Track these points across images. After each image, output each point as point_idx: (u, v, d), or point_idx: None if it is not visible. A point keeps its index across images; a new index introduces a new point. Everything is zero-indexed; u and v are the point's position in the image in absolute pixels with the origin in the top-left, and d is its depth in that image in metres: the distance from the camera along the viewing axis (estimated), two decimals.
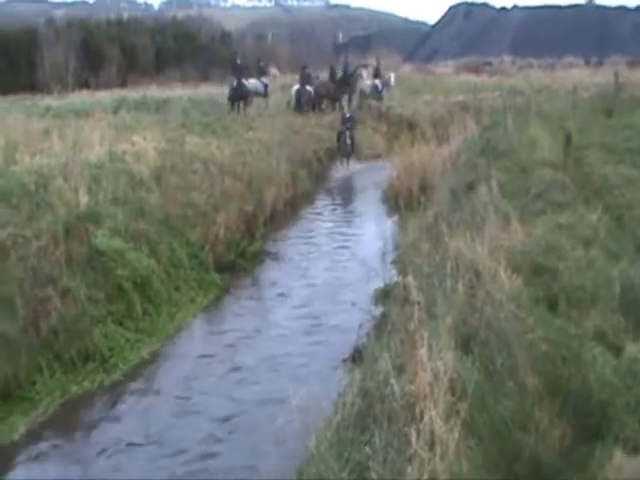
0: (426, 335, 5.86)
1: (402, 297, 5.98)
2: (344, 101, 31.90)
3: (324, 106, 32.00)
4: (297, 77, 33.30)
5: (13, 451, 8.52)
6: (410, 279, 6.25)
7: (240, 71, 29.91)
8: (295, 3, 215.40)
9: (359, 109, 31.67)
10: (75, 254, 11.72)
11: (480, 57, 62.52)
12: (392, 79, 33.30)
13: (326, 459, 5.85)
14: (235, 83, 29.45)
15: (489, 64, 56.42)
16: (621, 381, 5.99)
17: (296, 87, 31.90)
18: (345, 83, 32.21)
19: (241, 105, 29.44)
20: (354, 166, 26.29)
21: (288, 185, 19.94)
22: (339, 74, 33.18)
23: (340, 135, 26.14)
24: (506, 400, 5.80)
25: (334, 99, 31.93)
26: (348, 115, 26.73)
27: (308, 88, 31.71)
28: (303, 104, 31.07)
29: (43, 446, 8.61)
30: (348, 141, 25.91)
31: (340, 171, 25.93)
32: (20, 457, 8.43)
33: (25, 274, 10.72)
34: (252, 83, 31.80)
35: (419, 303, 5.78)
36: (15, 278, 10.54)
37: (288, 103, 31.63)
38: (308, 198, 21.45)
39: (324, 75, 34.69)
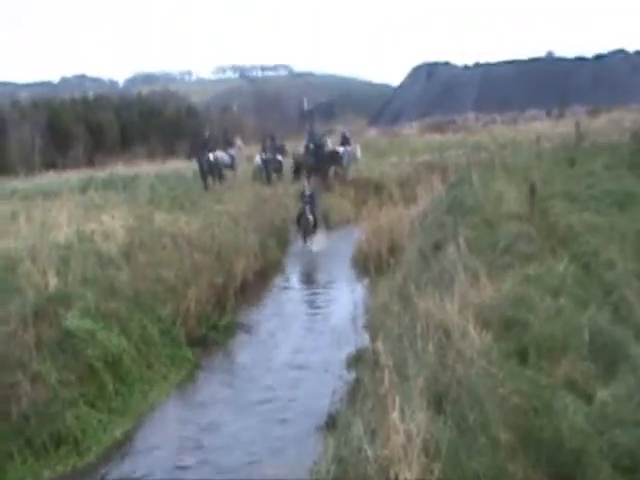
0: (397, 398, 5.87)
1: (372, 361, 5.98)
2: (331, 172, 31.95)
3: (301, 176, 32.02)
4: (260, 147, 33.56)
5: None
6: (379, 343, 6.26)
7: (207, 145, 29.80)
8: (260, 74, 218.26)
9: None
10: (45, 337, 11.56)
11: (444, 116, 63.44)
12: (358, 151, 33.26)
13: None
14: (208, 157, 29.14)
15: (453, 122, 57.21)
16: (593, 427, 5.99)
17: (258, 157, 32.19)
18: (325, 155, 32.15)
19: (213, 179, 29.28)
20: (319, 243, 23.70)
21: (257, 255, 19.93)
22: (306, 143, 33.49)
23: (300, 214, 23.87)
24: (479, 456, 5.75)
25: (315, 169, 31.68)
26: (308, 192, 24.26)
27: (278, 157, 32.06)
28: (271, 174, 31.37)
29: None
30: (309, 217, 23.61)
31: (303, 253, 23.37)
32: None
33: None
34: (219, 155, 31.99)
35: (388, 367, 5.79)
36: None
37: (254, 174, 31.82)
38: (278, 267, 21.43)
39: (291, 144, 34.91)
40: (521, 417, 6.17)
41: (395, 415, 5.84)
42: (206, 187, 28.28)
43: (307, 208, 23.54)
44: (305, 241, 23.59)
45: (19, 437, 9.82)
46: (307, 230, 23.58)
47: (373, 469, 5.78)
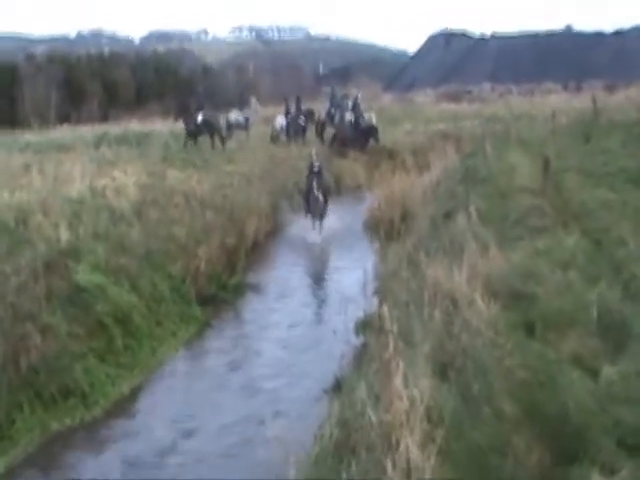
0: (402, 364, 5.88)
1: (377, 326, 6.00)
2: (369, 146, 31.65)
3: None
4: (282, 109, 33.31)
5: None
6: (385, 308, 6.28)
7: (197, 106, 28.86)
8: (276, 36, 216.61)
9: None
10: (55, 290, 11.64)
11: (460, 85, 62.99)
12: (373, 119, 32.84)
13: None
14: (196, 119, 27.98)
15: (469, 92, 56.80)
16: (598, 404, 6.00)
17: (280, 119, 32.00)
18: (364, 129, 31.82)
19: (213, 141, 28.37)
20: (329, 226, 20.92)
21: (269, 217, 19.95)
22: (328, 108, 33.34)
23: (307, 191, 20.99)
24: (483, 426, 5.78)
25: (353, 142, 31.36)
26: (317, 165, 21.23)
27: (301, 121, 31.94)
28: (292, 136, 31.23)
29: None
30: (319, 196, 20.69)
31: (311, 235, 20.54)
32: None
33: (4, 311, 10.64)
34: (233, 116, 31.88)
35: (393, 332, 5.80)
36: None
37: (272, 135, 31.64)
38: (289, 229, 21.40)
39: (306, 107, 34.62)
40: (526, 390, 6.18)
41: (398, 380, 5.84)
42: (186, 146, 27.62)
43: (315, 184, 20.72)
44: (313, 224, 20.78)
45: (28, 388, 9.92)
46: (316, 211, 20.79)
47: (375, 433, 5.80)
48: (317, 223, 20.74)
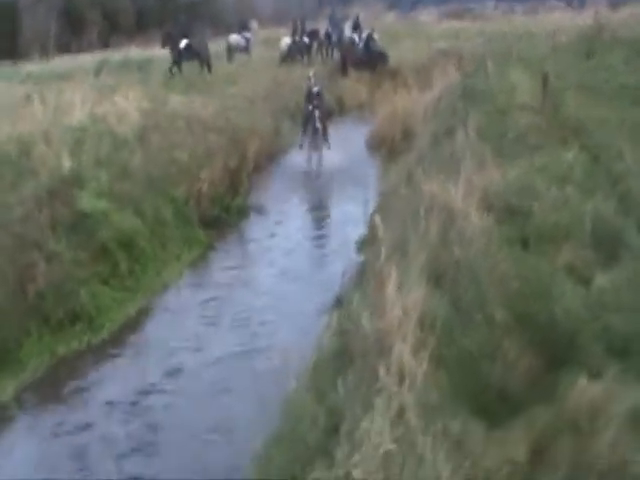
0: (395, 273, 6.04)
1: (371, 237, 6.13)
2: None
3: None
4: (288, 30, 33.03)
5: (1, 412, 8.66)
6: (377, 218, 6.37)
7: (182, 32, 27.88)
8: None
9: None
10: (59, 217, 11.78)
11: (463, 4, 61.87)
12: (376, 36, 32.43)
13: (303, 401, 6.04)
14: (181, 45, 27.21)
15: (472, 10, 55.80)
16: (589, 311, 6.14)
17: (287, 40, 31.70)
18: (375, 54, 31.42)
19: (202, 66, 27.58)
20: (328, 159, 19.26)
21: (272, 138, 19.89)
22: (326, 28, 33.04)
23: (306, 120, 19.34)
24: (474, 332, 5.93)
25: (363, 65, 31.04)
26: (316, 89, 19.48)
27: (305, 41, 31.75)
28: (294, 55, 31.04)
29: (30, 408, 8.79)
30: (318, 125, 19.17)
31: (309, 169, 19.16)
32: (7, 419, 8.56)
33: (10, 240, 10.79)
34: (234, 38, 31.53)
35: (385, 241, 5.92)
36: (5, 243, 10.62)
37: (281, 56, 31.32)
38: (291, 149, 21.31)
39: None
40: (518, 299, 6.32)
41: (391, 289, 6.01)
42: (171, 72, 26.93)
43: (315, 113, 19.14)
44: (310, 156, 19.12)
45: (36, 314, 10.14)
46: (315, 142, 19.14)
47: (370, 341, 5.98)
48: (315, 157, 19.04)
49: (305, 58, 31.87)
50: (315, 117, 19.00)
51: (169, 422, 8.30)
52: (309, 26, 33.72)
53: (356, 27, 32.70)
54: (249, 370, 8.88)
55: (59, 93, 20.24)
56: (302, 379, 6.54)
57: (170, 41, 27.52)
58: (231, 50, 30.96)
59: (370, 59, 31.01)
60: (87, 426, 8.29)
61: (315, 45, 33.36)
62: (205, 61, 27.39)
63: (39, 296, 10.32)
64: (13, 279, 10.23)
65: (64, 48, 46.09)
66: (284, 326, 10.06)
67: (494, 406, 5.38)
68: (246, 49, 31.65)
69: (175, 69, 27.03)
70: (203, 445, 7.76)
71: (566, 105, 14.00)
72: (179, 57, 27.10)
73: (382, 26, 38.78)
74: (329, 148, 19.06)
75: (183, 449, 7.73)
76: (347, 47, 31.88)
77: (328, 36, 33.31)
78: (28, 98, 20.11)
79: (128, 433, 8.11)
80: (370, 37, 31.82)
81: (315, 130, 19.05)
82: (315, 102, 19.16)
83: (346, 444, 5.15)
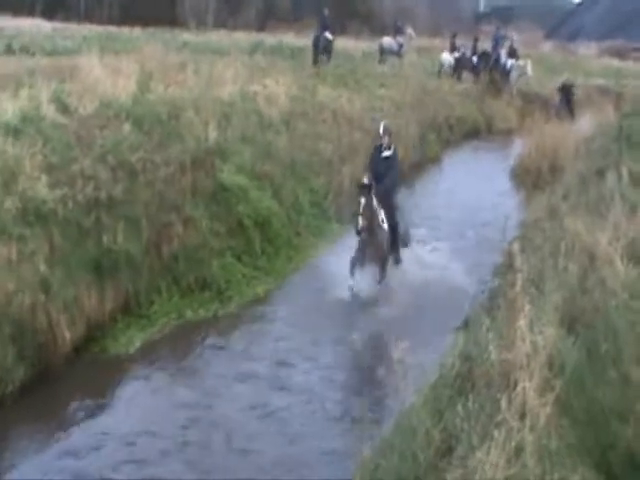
0: (528, 306, 5.84)
1: (507, 264, 5.90)
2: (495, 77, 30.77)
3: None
4: (442, 42, 32.69)
5: (128, 362, 8.86)
6: (515, 247, 6.05)
7: (325, 24, 28.30)
8: None
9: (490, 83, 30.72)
10: (200, 186, 11.90)
11: (627, 41, 59.86)
12: (529, 67, 31.57)
13: (420, 417, 5.88)
14: (323, 36, 27.59)
15: (637, 50, 53.89)
16: None
17: (446, 55, 31.32)
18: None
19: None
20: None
21: (416, 147, 19.54)
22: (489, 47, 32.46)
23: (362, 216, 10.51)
24: (607, 387, 5.54)
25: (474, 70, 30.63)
26: (387, 153, 11.36)
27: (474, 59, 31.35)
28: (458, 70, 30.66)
29: (155, 362, 8.90)
30: (384, 225, 11.12)
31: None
32: (133, 369, 8.76)
33: (152, 198, 10.87)
34: (387, 41, 31.38)
35: (521, 271, 5.67)
36: (142, 201, 10.69)
37: (438, 72, 30.96)
38: (434, 163, 20.90)
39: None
40: None
41: (523, 322, 5.75)
42: (315, 62, 27.05)
43: (375, 208, 10.87)
44: (354, 272, 10.90)
45: (168, 275, 10.33)
46: (375, 254, 11.05)
47: (495, 371, 5.78)
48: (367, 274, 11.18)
49: (461, 76, 31.13)
50: (376, 213, 10.91)
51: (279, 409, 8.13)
52: (459, 42, 33.17)
53: (512, 54, 31.84)
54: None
55: (212, 66, 20.43)
56: (421, 395, 6.34)
57: (315, 33, 27.96)
58: (383, 52, 30.81)
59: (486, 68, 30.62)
60: (198, 388, 8.39)
61: (481, 66, 32.38)
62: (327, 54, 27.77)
63: (173, 258, 10.48)
64: (150, 237, 10.33)
65: (220, 24, 46.95)
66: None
67: (619, 469, 5.04)
68: (398, 53, 31.42)
69: (319, 59, 27.29)
70: None
71: None
72: (321, 49, 27.43)
73: (538, 55, 37.96)
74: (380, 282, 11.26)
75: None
76: (501, 74, 31.22)
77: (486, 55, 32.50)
78: (182, 66, 20.36)
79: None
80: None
81: (375, 238, 10.93)
82: (382, 168, 11.33)
83: (459, 469, 5.01)
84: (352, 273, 10.72)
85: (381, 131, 11.47)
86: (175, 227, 10.70)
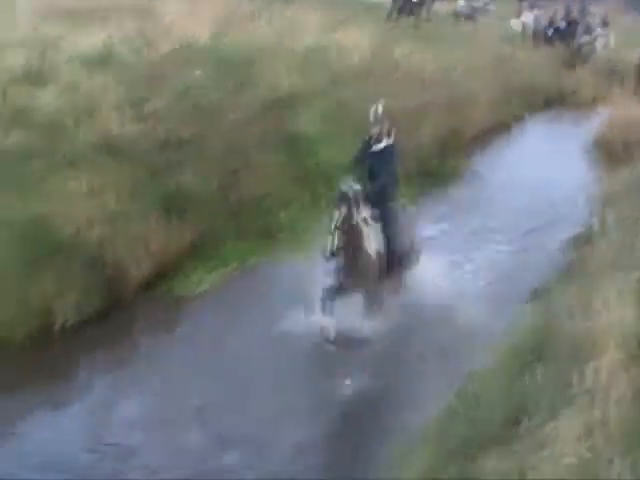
0: (605, 282, 5.94)
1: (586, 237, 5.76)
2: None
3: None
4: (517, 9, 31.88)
5: (196, 302, 8.92)
6: (596, 220, 5.92)
7: None
8: None
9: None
10: (269, 134, 11.82)
11: None
12: (612, 39, 30.80)
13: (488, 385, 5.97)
14: None
15: None
16: None
17: (515, 20, 30.70)
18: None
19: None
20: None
21: (493, 112, 19.06)
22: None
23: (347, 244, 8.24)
24: None
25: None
26: (382, 145, 8.67)
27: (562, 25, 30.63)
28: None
29: (223, 304, 8.87)
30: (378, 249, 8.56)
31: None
32: (200, 309, 8.82)
33: (221, 143, 10.86)
34: (460, 4, 30.90)
35: (601, 244, 5.57)
36: (212, 145, 10.74)
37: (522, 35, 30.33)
38: (511, 130, 20.35)
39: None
40: None
41: (599, 297, 5.81)
42: (389, 18, 26.21)
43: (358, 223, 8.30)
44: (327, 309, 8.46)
45: (235, 220, 10.19)
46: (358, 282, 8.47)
47: (567, 345, 5.73)
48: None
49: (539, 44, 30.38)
50: (358, 230, 8.31)
51: None
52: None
53: (604, 24, 31.10)
54: None
55: (288, 15, 20.27)
56: (490, 361, 6.38)
57: None
58: (457, 16, 30.36)
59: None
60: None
61: (555, 38, 31.57)
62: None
63: (239, 203, 10.36)
64: (218, 182, 10.29)
65: None
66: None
67: None
68: (471, 17, 30.86)
69: (394, 16, 26.97)
70: None
71: None
72: (401, 8, 27.15)
73: (619, 28, 36.96)
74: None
75: None
76: (587, 44, 30.46)
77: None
78: (257, 14, 20.20)
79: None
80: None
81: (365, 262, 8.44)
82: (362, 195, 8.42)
83: (527, 441, 4.91)
84: (325, 310, 8.25)
85: (372, 117, 8.63)
86: (242, 174, 10.63)
